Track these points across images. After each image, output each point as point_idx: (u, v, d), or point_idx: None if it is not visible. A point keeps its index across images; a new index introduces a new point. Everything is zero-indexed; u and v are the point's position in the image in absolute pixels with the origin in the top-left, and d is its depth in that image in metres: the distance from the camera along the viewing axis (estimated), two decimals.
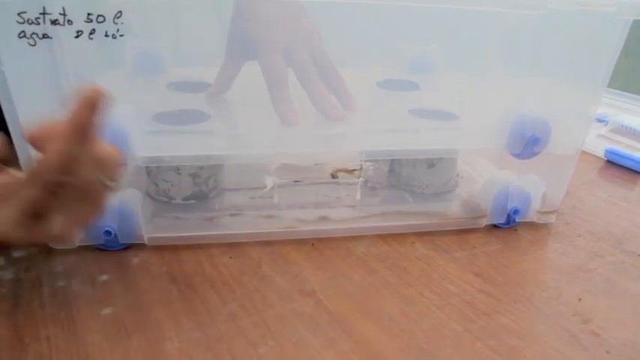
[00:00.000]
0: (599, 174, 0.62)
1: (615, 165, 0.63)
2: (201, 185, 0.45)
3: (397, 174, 0.48)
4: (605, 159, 0.64)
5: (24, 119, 0.36)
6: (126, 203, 0.39)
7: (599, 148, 0.65)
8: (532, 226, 0.48)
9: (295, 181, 0.45)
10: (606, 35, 0.39)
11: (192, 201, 0.45)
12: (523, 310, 0.38)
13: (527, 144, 0.43)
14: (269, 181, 0.42)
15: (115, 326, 0.34)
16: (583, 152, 0.65)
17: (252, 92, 0.47)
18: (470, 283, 0.40)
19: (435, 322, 0.36)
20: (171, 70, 0.56)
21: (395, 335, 0.35)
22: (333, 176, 0.49)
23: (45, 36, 0.33)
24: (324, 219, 0.44)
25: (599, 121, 0.72)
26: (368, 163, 0.43)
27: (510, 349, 0.34)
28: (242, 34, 0.47)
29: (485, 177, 0.51)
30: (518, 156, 0.44)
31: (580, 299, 0.39)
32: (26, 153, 0.38)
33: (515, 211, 0.46)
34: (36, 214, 0.29)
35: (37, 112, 0.38)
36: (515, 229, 0.47)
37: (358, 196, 0.44)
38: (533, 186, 0.45)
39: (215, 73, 0.49)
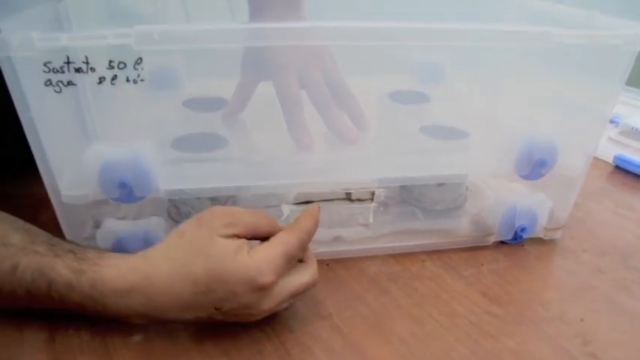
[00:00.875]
0: (608, 180, 0.63)
1: (624, 171, 0.64)
2: None
3: (409, 190, 0.50)
4: (614, 164, 0.64)
5: (52, 158, 0.38)
6: (151, 232, 0.41)
7: (609, 152, 0.65)
8: (539, 241, 0.50)
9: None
10: (612, 65, 0.40)
11: None
12: (527, 331, 0.40)
13: (535, 166, 0.45)
14: (286, 210, 0.44)
15: (146, 353, 0.36)
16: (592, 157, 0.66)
17: (268, 111, 0.48)
18: (477, 304, 0.42)
19: (443, 345, 0.38)
20: (185, 84, 0.57)
21: (405, 358, 0.37)
22: (347, 192, 0.51)
23: (70, 83, 0.35)
24: (338, 239, 0.46)
25: (611, 122, 0.72)
26: (380, 190, 0.45)
27: None
28: (256, 56, 0.48)
29: (494, 189, 0.52)
30: (525, 177, 0.46)
31: (582, 319, 0.41)
32: (54, 187, 0.40)
33: (523, 229, 0.47)
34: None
35: (63, 150, 0.40)
36: (522, 245, 0.49)
37: (371, 220, 0.46)
38: (539, 205, 0.47)
39: (228, 84, 0.51)
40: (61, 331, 0.38)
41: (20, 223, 0.38)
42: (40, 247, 0.36)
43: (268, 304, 0.36)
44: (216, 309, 0.35)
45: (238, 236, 0.36)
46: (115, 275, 0.35)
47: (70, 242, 0.38)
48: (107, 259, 0.36)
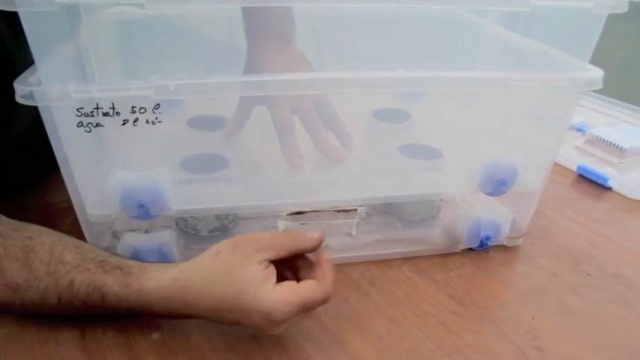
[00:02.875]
0: (571, 188, 0.69)
1: (587, 179, 0.70)
2: (222, 219, 0.53)
3: (389, 203, 0.57)
4: (578, 173, 0.71)
5: (80, 183, 0.45)
6: (164, 244, 0.48)
7: (574, 160, 0.72)
8: (503, 247, 0.57)
9: (300, 213, 0.53)
10: (562, 103, 0.46)
11: (216, 232, 0.53)
12: (485, 329, 0.47)
13: (497, 185, 0.51)
14: (281, 225, 0.51)
15: (164, 349, 0.43)
16: (558, 165, 0.72)
17: (264, 130, 0.55)
18: (444, 305, 0.49)
19: (414, 341, 0.45)
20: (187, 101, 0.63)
21: (382, 353, 0.44)
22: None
23: (98, 125, 0.41)
24: (326, 247, 0.53)
25: (578, 130, 0.79)
26: (362, 207, 0.51)
27: None
28: None
29: (465, 199, 0.59)
30: (489, 194, 0.52)
31: (533, 318, 0.48)
32: (81, 207, 0.47)
33: (487, 238, 0.54)
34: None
35: (89, 177, 0.46)
36: (488, 252, 0.56)
37: (354, 233, 0.53)
38: (502, 217, 0.54)
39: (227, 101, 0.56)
40: (90, 329, 0.45)
41: (69, 240, 0.44)
42: (91, 264, 0.42)
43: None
44: (236, 322, 0.41)
45: (270, 260, 0.40)
46: (157, 286, 0.41)
47: (115, 256, 0.44)
48: (149, 272, 0.41)
